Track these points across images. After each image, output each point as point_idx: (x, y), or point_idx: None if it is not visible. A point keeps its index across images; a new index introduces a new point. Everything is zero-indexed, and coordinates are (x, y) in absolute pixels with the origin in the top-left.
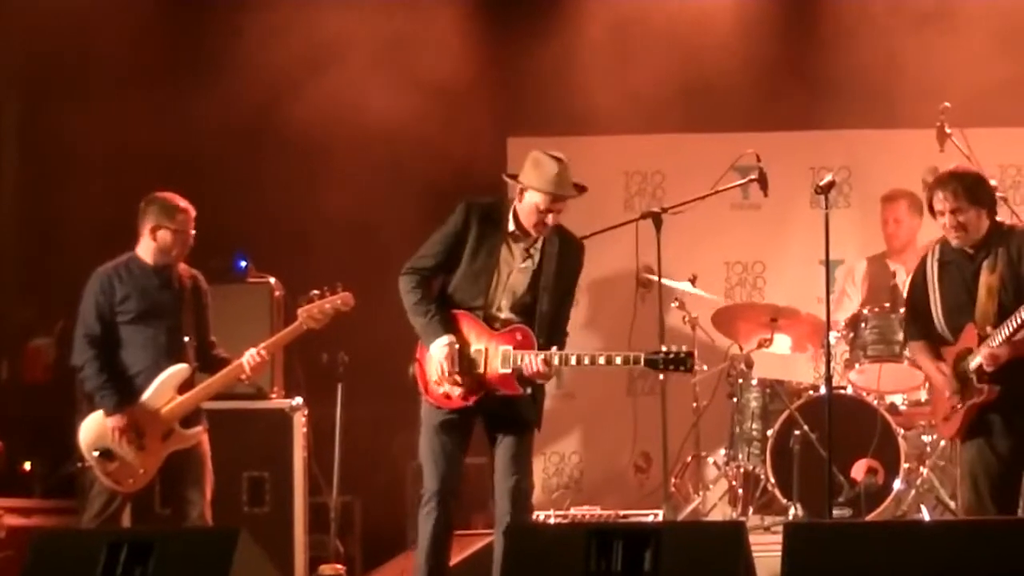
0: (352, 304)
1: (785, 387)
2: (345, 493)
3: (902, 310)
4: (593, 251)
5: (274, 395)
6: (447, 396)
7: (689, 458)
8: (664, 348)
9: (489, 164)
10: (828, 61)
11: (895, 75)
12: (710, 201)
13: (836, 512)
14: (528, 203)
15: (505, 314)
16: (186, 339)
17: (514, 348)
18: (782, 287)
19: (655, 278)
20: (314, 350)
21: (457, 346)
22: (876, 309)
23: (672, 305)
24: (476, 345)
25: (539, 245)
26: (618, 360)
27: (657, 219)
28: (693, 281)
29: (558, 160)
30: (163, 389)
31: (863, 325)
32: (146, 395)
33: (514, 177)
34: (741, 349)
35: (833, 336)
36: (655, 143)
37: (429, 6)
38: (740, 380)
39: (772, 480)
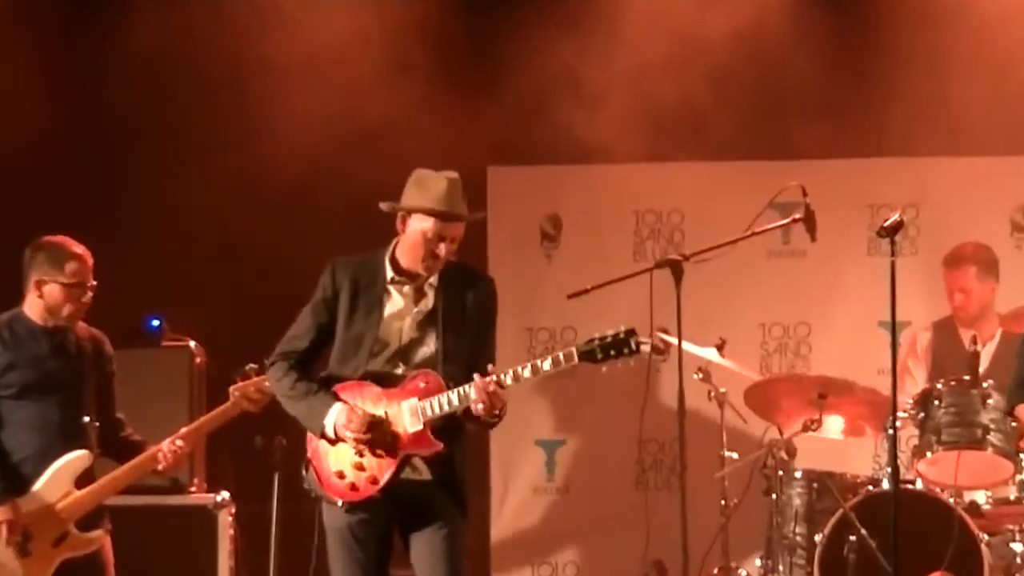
0: None
1: (837, 481)
2: None
3: (986, 384)
4: (594, 309)
5: (194, 488)
6: (353, 487)
7: (716, 570)
8: (598, 334)
9: (467, 194)
10: (891, 70)
11: (976, 90)
12: (742, 247)
13: None
14: (413, 232)
15: (404, 370)
16: (86, 418)
17: (420, 398)
18: (832, 355)
19: (673, 342)
20: (244, 433)
21: (359, 409)
22: (953, 383)
23: (695, 377)
24: (374, 412)
25: (433, 282)
26: (546, 365)
27: (676, 269)
28: (721, 348)
29: (448, 178)
30: (57, 481)
31: (936, 403)
32: (36, 487)
33: (395, 207)
34: (781, 433)
35: (899, 417)
36: (672, 173)
37: (393, 17)
38: (780, 472)
39: None
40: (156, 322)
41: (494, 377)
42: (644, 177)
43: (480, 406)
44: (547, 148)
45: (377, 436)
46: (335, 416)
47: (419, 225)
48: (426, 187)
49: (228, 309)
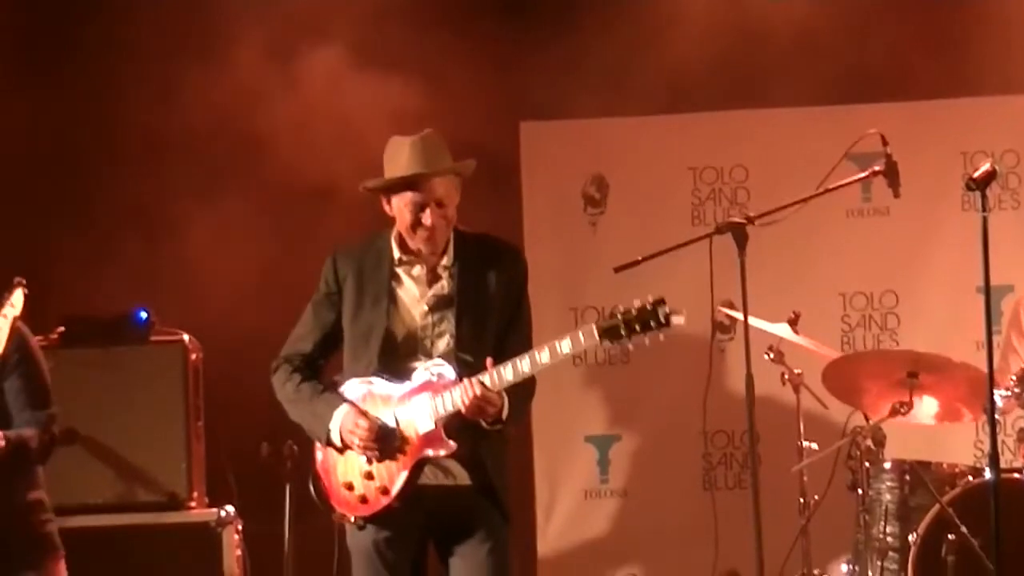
0: None
1: (932, 472)
2: None
3: None
4: (647, 283)
5: (193, 503)
6: (363, 499)
7: None
8: (621, 307)
9: (498, 155)
10: None
11: None
12: (817, 205)
13: None
14: (398, 210)
15: (422, 363)
16: None
17: (433, 395)
18: (924, 327)
19: (739, 318)
20: (249, 438)
21: (365, 411)
22: None
23: (765, 358)
24: (383, 416)
25: (447, 262)
26: (565, 347)
27: (740, 233)
28: (794, 323)
29: (412, 139)
30: None
31: None
32: None
33: (368, 189)
34: (867, 419)
35: (999, 397)
36: (733, 123)
37: None
38: (867, 464)
39: None
40: (143, 314)
41: (482, 378)
42: (701, 129)
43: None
44: (588, 99)
45: (386, 441)
46: (341, 420)
47: (398, 201)
48: (393, 157)
49: (224, 298)
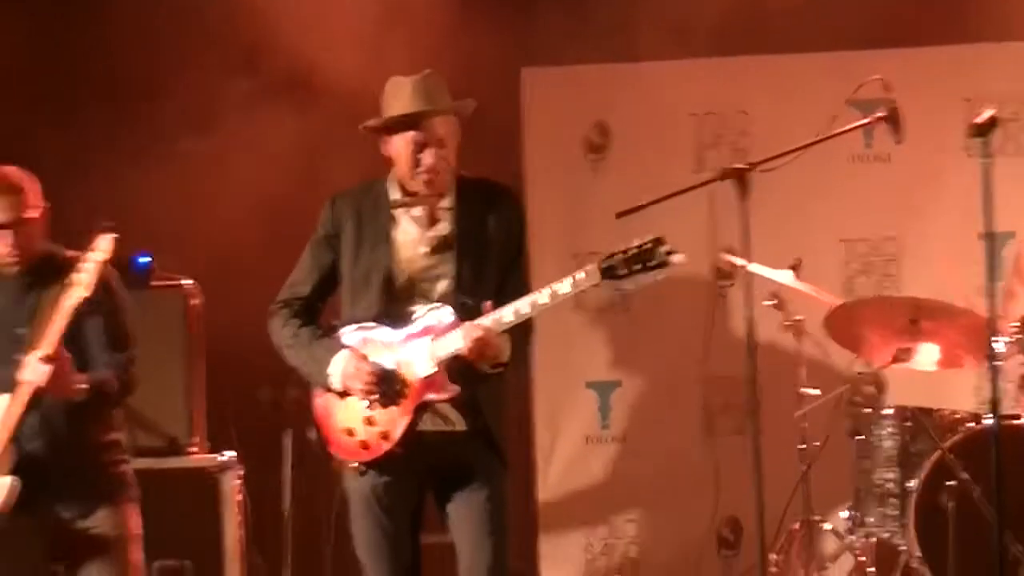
0: None
1: (933, 418)
2: None
3: None
4: (648, 229)
5: (194, 448)
6: (364, 445)
7: (797, 525)
8: (621, 246)
9: (499, 102)
10: None
11: None
12: (819, 152)
13: None
14: (396, 149)
15: (424, 308)
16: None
17: (433, 338)
18: (926, 274)
19: (740, 263)
20: (249, 384)
21: (365, 356)
22: None
23: (766, 304)
24: (383, 360)
25: (448, 203)
26: (566, 287)
27: (742, 180)
28: (796, 269)
29: (413, 78)
30: None
31: None
32: None
33: (367, 128)
34: (868, 366)
35: (1001, 342)
36: (735, 69)
37: None
38: (867, 410)
39: (917, 554)
40: (145, 260)
41: (483, 320)
42: (703, 74)
43: (467, 352)
44: (590, 45)
45: (387, 385)
46: (341, 365)
47: (398, 141)
48: (394, 96)
49: (225, 244)
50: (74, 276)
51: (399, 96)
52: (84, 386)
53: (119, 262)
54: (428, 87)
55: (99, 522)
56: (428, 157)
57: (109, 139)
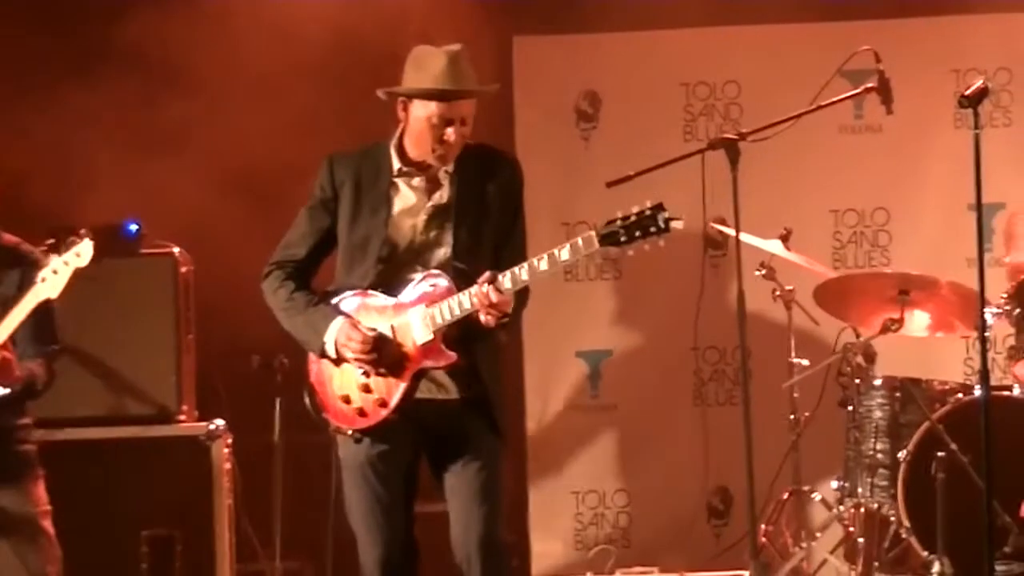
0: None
1: (923, 389)
2: (291, 556)
3: None
4: (639, 198)
5: (183, 416)
6: (361, 412)
7: (786, 494)
8: (620, 213)
9: (490, 70)
10: None
11: None
12: (809, 122)
13: (1000, 568)
14: (416, 119)
15: (420, 275)
16: None
17: (427, 305)
18: (915, 244)
19: (731, 234)
20: (240, 351)
21: (361, 324)
22: None
23: (756, 274)
24: (379, 327)
25: (448, 170)
26: (565, 255)
27: (733, 149)
28: (786, 239)
29: (448, 52)
30: None
31: None
32: None
33: (391, 92)
34: (858, 336)
35: (990, 314)
36: (726, 39)
37: None
38: (857, 380)
39: (906, 524)
40: (134, 227)
41: (490, 283)
42: (694, 44)
43: (482, 317)
44: (582, 14)
45: (383, 353)
46: (336, 332)
47: (421, 111)
48: (424, 66)
49: (215, 211)
50: (44, 274)
51: (430, 66)
52: (20, 377)
53: (108, 229)
54: (463, 65)
55: (8, 501)
56: (451, 135)
57: (90, 111)
